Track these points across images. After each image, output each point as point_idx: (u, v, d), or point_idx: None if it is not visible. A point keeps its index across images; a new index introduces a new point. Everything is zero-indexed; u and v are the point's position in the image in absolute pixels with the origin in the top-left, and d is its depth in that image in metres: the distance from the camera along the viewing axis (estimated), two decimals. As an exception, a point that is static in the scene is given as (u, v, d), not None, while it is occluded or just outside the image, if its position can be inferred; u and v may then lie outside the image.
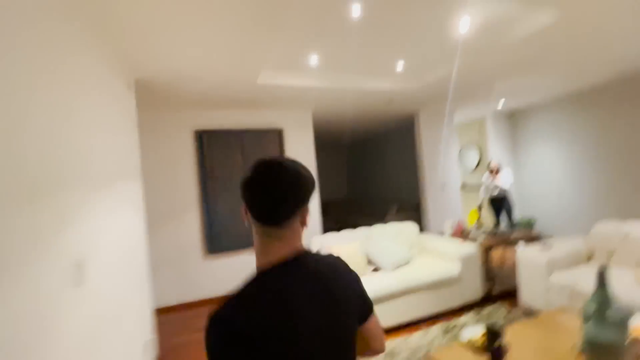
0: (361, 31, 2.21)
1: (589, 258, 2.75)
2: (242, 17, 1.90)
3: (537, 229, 4.93)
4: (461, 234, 3.59)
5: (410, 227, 3.49)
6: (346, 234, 3.24)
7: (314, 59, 2.63)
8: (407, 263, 3.03)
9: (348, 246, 2.93)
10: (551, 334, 1.68)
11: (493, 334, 1.38)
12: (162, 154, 3.60)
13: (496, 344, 1.37)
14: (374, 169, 7.64)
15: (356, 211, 7.51)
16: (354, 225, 4.08)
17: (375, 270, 2.94)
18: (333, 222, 6.80)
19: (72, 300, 1.21)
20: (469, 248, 2.99)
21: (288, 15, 1.92)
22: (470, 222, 3.80)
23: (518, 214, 5.24)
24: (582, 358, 1.43)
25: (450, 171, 5.07)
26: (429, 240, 3.41)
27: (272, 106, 3.92)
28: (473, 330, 1.69)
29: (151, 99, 3.21)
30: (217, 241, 3.74)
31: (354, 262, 2.84)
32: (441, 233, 3.83)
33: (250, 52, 2.38)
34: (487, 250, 3.24)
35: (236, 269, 3.81)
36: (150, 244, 3.39)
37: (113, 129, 1.94)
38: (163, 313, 3.39)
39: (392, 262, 2.90)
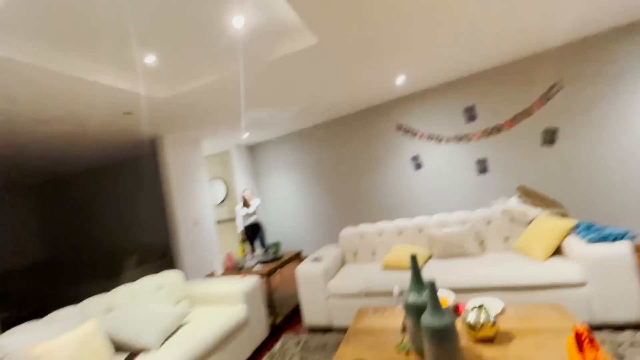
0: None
1: (342, 261, 3.16)
2: None
3: (285, 249, 5.43)
4: (234, 268, 3.14)
5: (171, 276, 2.60)
6: (59, 316, 1.87)
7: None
8: (180, 326, 2.14)
9: (75, 333, 1.63)
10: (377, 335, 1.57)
11: None
12: None
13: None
14: (93, 215, 5.63)
15: (67, 279, 5.14)
16: (63, 301, 2.47)
17: (133, 355, 1.83)
18: (15, 305, 4.19)
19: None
20: (251, 280, 2.59)
21: None
22: (240, 254, 3.44)
23: (268, 238, 5.55)
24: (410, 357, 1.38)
25: (203, 205, 4.56)
26: (200, 286, 2.67)
27: None
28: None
29: None
30: None
31: (91, 355, 1.61)
32: (210, 275, 3.19)
33: None
34: (267, 277, 2.98)
35: None
36: None
37: None
38: None
39: (158, 333, 1.92)
